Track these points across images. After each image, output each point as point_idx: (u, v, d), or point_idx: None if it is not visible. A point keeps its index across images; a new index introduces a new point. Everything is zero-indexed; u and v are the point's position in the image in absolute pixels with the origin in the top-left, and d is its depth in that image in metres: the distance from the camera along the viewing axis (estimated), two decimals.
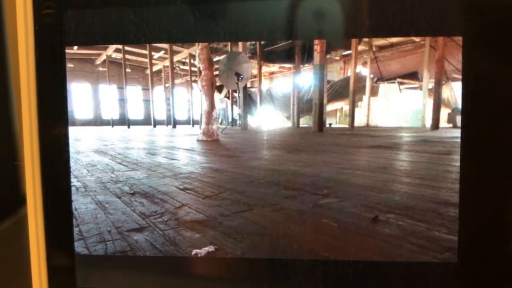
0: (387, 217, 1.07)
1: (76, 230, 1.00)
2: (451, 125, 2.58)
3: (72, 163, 0.68)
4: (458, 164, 0.61)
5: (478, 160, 0.60)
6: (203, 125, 3.91)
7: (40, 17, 0.66)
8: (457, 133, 0.60)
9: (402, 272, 0.67)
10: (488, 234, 0.60)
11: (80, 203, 1.32)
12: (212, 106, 3.86)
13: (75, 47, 0.69)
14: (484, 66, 0.59)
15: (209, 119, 3.89)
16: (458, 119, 0.77)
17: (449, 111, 2.54)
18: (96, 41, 0.68)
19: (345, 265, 0.69)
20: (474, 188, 0.60)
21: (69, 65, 0.68)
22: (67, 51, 0.67)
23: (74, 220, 0.70)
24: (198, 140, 4.05)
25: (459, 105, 0.61)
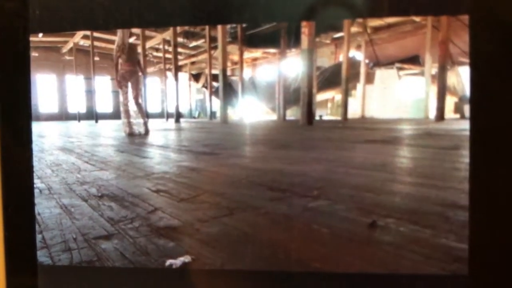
0: (386, 222, 1.06)
1: (39, 237, 0.99)
2: (458, 115, 2.59)
3: (35, 162, 0.66)
4: (467, 160, 0.59)
5: (490, 156, 0.58)
6: (123, 119, 4.53)
7: (1, 1, 0.64)
8: (466, 124, 0.59)
9: (405, 286, 0.66)
10: (503, 242, 0.59)
11: (44, 207, 1.32)
12: (127, 98, 4.52)
13: (40, 34, 0.68)
14: (495, 48, 0.58)
15: (127, 112, 4.94)
16: (467, 108, 0.76)
17: (455, 99, 2.55)
18: (63, 27, 0.67)
19: (338, 278, 0.68)
20: (486, 188, 0.58)
21: (33, 54, 0.66)
22: (31, 38, 0.66)
23: (37, 226, 0.69)
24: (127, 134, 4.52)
25: (467, 93, 0.60)
